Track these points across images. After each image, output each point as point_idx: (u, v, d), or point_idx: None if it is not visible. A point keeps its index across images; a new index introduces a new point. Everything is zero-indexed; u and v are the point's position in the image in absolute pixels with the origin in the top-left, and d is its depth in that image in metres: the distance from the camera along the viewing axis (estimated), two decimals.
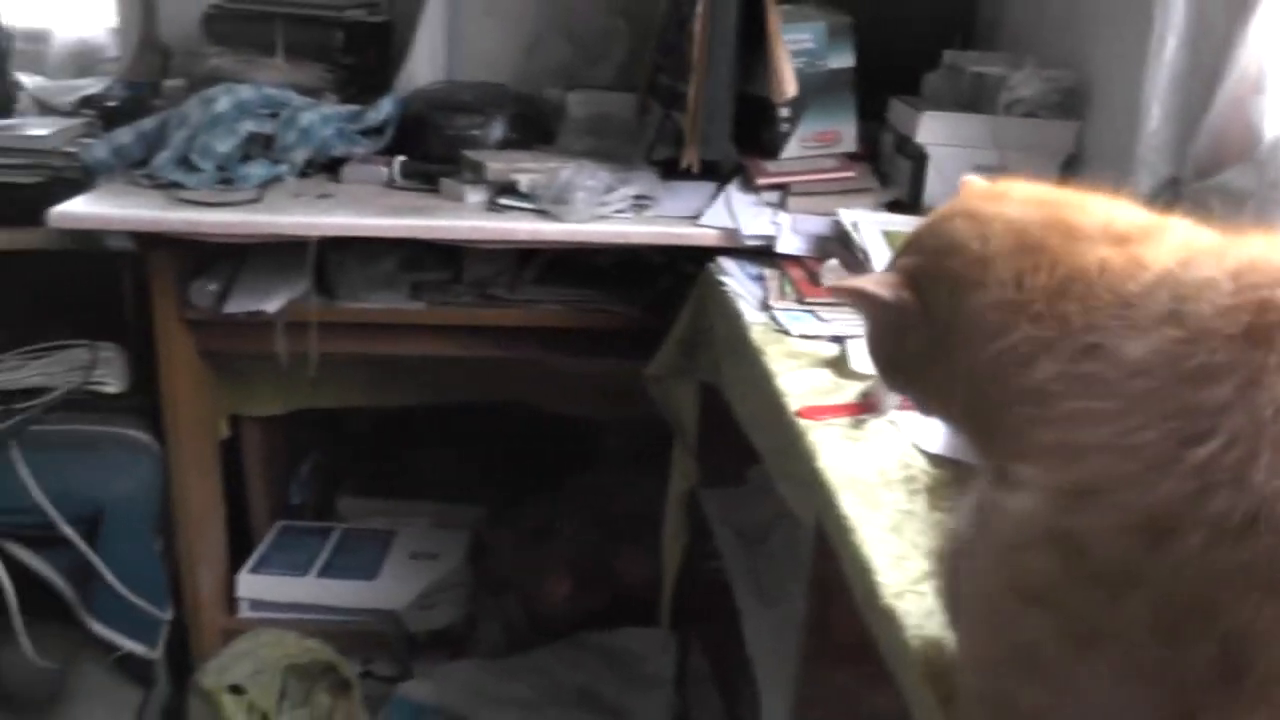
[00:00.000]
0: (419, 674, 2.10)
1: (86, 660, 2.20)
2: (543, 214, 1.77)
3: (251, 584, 2.17)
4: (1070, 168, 1.75)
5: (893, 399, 1.05)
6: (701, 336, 1.72)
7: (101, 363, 2.04)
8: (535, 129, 2.09)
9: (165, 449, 1.97)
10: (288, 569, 2.20)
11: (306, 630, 2.08)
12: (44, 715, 2.15)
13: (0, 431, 1.87)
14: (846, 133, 1.90)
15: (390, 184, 1.93)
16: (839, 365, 1.31)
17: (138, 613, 1.89)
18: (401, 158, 1.95)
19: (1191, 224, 0.68)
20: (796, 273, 1.64)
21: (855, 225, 1.66)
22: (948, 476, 0.99)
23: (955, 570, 0.69)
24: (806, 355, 1.35)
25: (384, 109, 2.02)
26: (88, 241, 1.92)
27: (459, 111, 2.02)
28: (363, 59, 2.30)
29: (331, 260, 1.91)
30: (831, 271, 1.55)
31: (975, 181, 0.81)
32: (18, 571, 1.83)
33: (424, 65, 2.23)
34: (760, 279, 1.65)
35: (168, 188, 1.85)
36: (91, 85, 2.43)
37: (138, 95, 2.27)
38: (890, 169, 1.92)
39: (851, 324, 1.36)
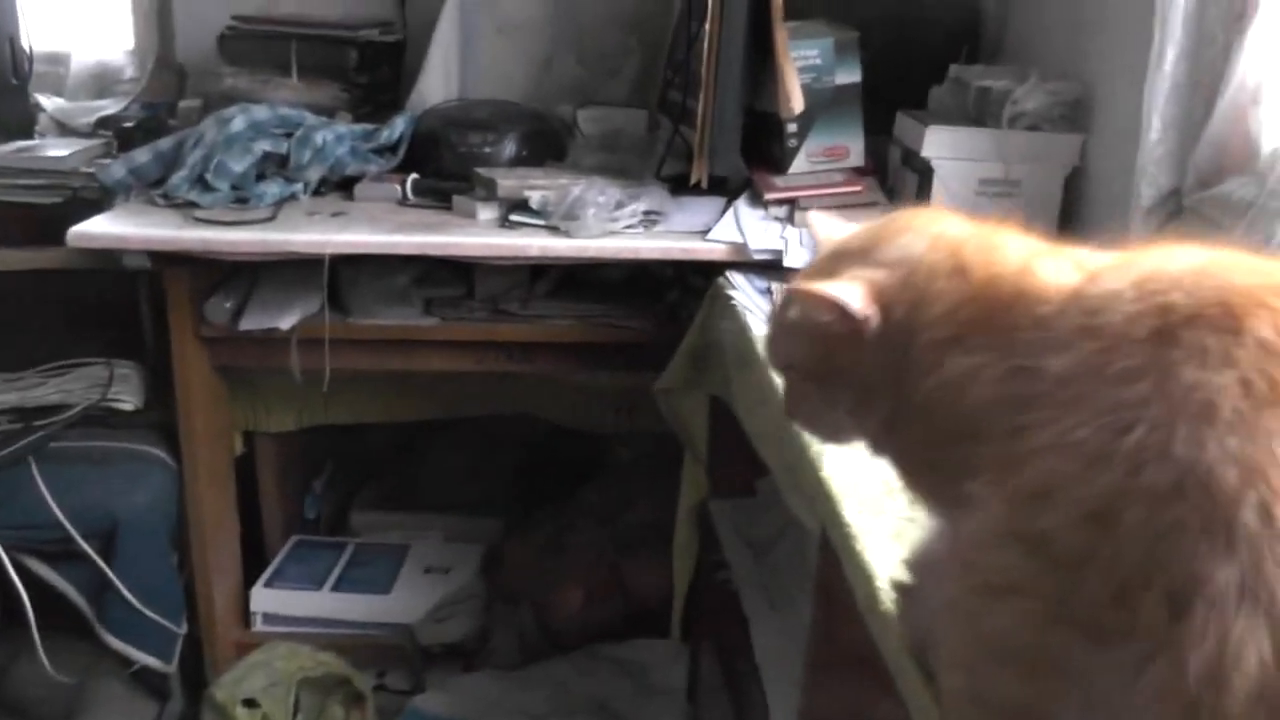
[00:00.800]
0: (432, 686, 2.11)
1: (102, 674, 2.23)
2: (554, 230, 1.79)
3: (265, 598, 2.19)
4: (1074, 181, 1.76)
5: None
6: (711, 350, 1.73)
7: (118, 380, 2.06)
8: (547, 146, 2.11)
9: (181, 464, 1.99)
10: (302, 583, 2.22)
11: (320, 644, 2.09)
12: None
13: (19, 448, 1.90)
14: (854, 147, 1.91)
15: (403, 201, 1.95)
16: None
17: (153, 626, 1.91)
18: (414, 175, 1.97)
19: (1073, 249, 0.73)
20: None
21: None
22: None
23: (922, 592, 0.74)
24: None
25: (397, 127, 2.05)
26: (106, 260, 1.94)
27: (471, 129, 2.05)
28: (376, 78, 2.33)
29: (345, 277, 1.93)
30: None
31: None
32: (35, 586, 1.85)
33: (437, 83, 2.26)
34: (768, 292, 1.66)
35: (184, 207, 1.88)
36: (109, 106, 2.46)
37: (154, 115, 2.30)
38: (897, 183, 1.94)
39: None
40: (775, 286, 1.67)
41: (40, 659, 1.88)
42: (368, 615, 2.19)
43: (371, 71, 2.31)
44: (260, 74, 2.25)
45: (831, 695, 1.10)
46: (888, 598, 0.84)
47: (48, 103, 2.47)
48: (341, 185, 2.02)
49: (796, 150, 1.89)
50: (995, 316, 0.69)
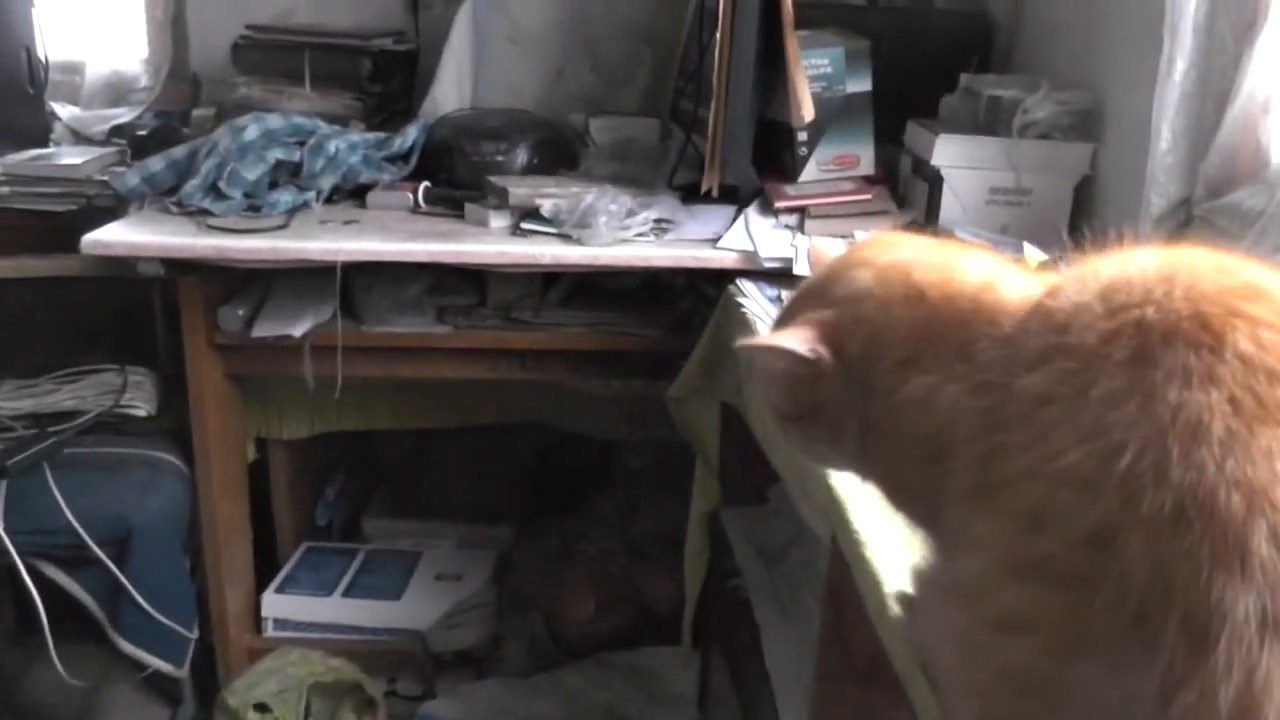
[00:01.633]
0: (443, 693, 2.12)
1: (115, 679, 2.24)
2: (566, 238, 1.80)
3: (277, 604, 2.20)
4: (1085, 189, 1.76)
5: None
6: (722, 358, 1.74)
7: (132, 386, 2.08)
8: (559, 155, 2.12)
9: (194, 471, 2.01)
10: (313, 589, 2.23)
11: (332, 649, 2.10)
12: None
13: (33, 454, 1.91)
14: (864, 156, 1.92)
15: (415, 209, 1.96)
16: None
17: (165, 632, 1.92)
18: (426, 184, 1.98)
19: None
20: None
21: None
22: None
23: (925, 608, 0.74)
24: None
25: (410, 136, 2.06)
26: (119, 268, 1.96)
27: (484, 138, 2.06)
28: (389, 87, 2.34)
29: (358, 285, 1.94)
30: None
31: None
32: (49, 591, 1.86)
33: (449, 92, 2.27)
34: (779, 300, 1.67)
35: (197, 215, 1.89)
36: (123, 115, 2.48)
37: (168, 124, 2.32)
38: (907, 191, 1.94)
39: None
40: (785, 295, 1.68)
41: (54, 664, 1.89)
42: (379, 621, 2.19)
43: (384, 81, 2.32)
44: (274, 83, 2.27)
45: (842, 703, 1.10)
46: (897, 605, 0.84)
47: (63, 111, 2.49)
48: (354, 194, 2.04)
49: (807, 159, 1.90)
50: (952, 334, 0.70)
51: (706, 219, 1.89)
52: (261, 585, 2.23)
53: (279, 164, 1.98)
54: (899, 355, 0.72)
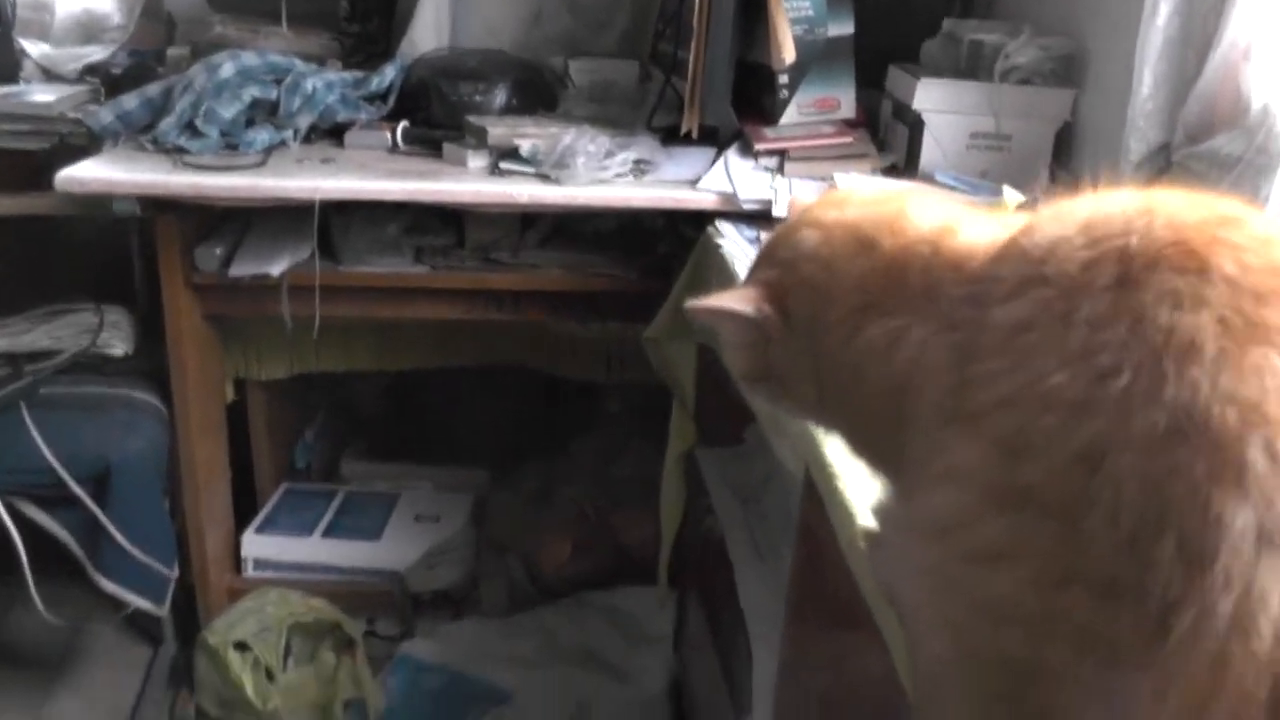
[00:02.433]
0: (422, 633, 2.14)
1: (96, 619, 2.25)
2: (544, 178, 1.79)
3: (257, 543, 2.21)
4: (1065, 135, 1.76)
5: None
6: (699, 298, 1.74)
7: (109, 326, 2.06)
8: (538, 96, 2.11)
9: (172, 411, 2.00)
10: (292, 529, 2.24)
11: (311, 590, 2.11)
12: (55, 673, 2.20)
13: (10, 393, 1.90)
14: (845, 99, 1.91)
15: (393, 149, 1.95)
16: None
17: (146, 570, 1.92)
18: (404, 123, 1.97)
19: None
20: None
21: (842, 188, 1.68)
22: None
23: (888, 542, 0.75)
24: None
25: (387, 75, 2.04)
26: (95, 206, 1.94)
27: (462, 78, 2.04)
28: (367, 27, 2.31)
29: (335, 225, 1.93)
30: None
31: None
32: (29, 531, 1.86)
33: (428, 32, 2.25)
34: (757, 242, 1.67)
35: (173, 152, 1.87)
36: (96, 53, 2.44)
37: (142, 63, 2.28)
38: (888, 135, 1.94)
39: None
40: (764, 236, 1.68)
41: (34, 604, 1.89)
42: (357, 561, 2.21)
43: (362, 21, 2.29)
44: (249, 22, 2.24)
45: (814, 643, 1.11)
46: (862, 543, 0.85)
47: (32, 49, 2.44)
48: (331, 133, 2.02)
49: (788, 101, 1.89)
50: (911, 280, 0.71)
51: (686, 161, 1.88)
52: (240, 526, 2.23)
53: (255, 102, 1.95)
54: (852, 303, 0.73)
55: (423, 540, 2.23)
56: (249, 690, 1.95)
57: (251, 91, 1.95)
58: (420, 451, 2.52)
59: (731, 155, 1.88)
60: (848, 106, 1.92)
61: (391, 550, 2.21)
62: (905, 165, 1.82)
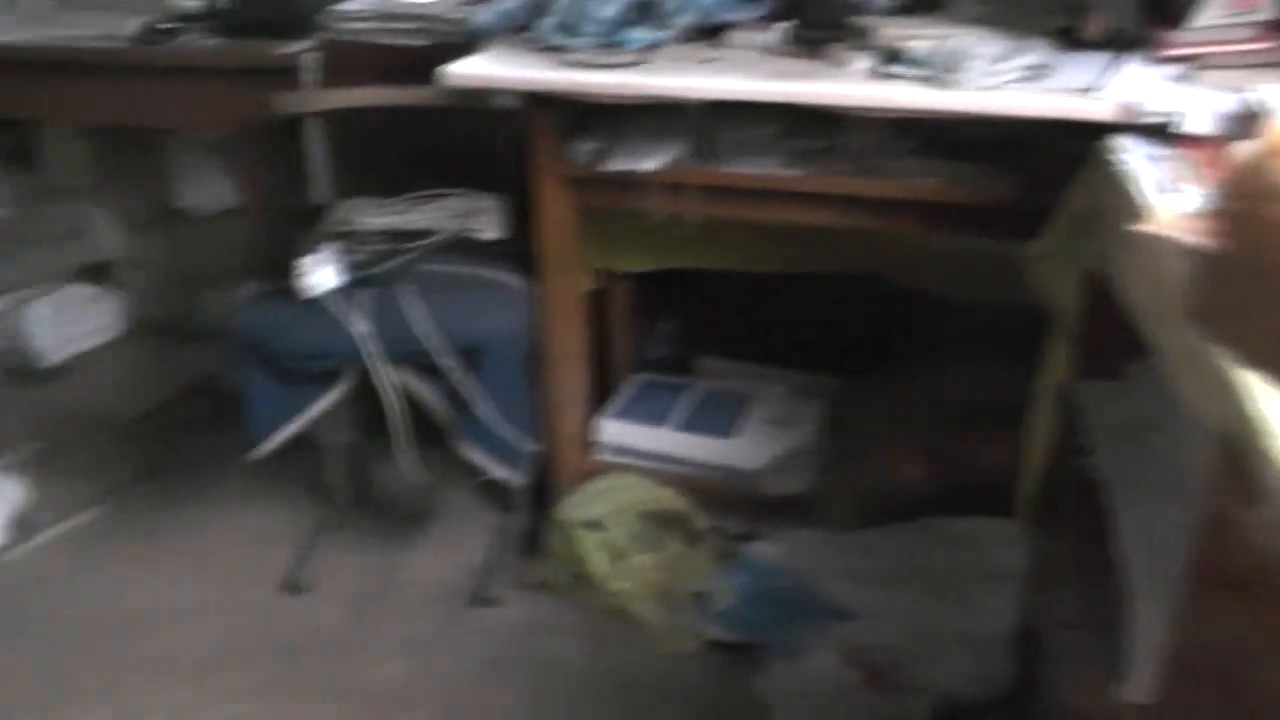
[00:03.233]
0: (766, 536, 2.15)
1: (455, 482, 2.42)
2: (929, 82, 1.69)
3: (611, 429, 2.28)
4: None
5: None
6: (1090, 219, 1.60)
7: (481, 211, 2.16)
8: None
9: (536, 295, 2.09)
10: (646, 419, 2.29)
11: (661, 479, 2.17)
12: (416, 525, 2.39)
13: (393, 268, 2.04)
14: None
15: (773, 50, 1.90)
16: None
17: (507, 442, 2.04)
18: (786, 23, 1.91)
19: None
20: (1201, 155, 1.49)
21: (1267, 103, 1.48)
22: None
23: None
24: None
25: None
26: (472, 99, 2.01)
27: None
28: None
29: (708, 124, 1.92)
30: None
31: None
32: (403, 396, 2.01)
33: None
34: (1161, 160, 1.51)
35: (550, 50, 1.91)
36: None
37: None
38: None
39: None
40: (1167, 153, 1.51)
41: (403, 459, 2.06)
42: (708, 457, 2.24)
43: None
44: None
45: (1216, 616, 1.00)
46: None
47: None
48: (708, 34, 1.99)
49: (1201, 1, 1.68)
50: None
51: (1083, 67, 1.72)
52: (594, 411, 2.31)
53: (633, 3, 1.95)
54: None
55: (773, 443, 2.23)
56: (597, 568, 2.04)
57: None
58: (775, 354, 2.50)
59: (1133, 62, 1.70)
60: (1269, 5, 1.69)
61: (742, 450, 2.22)
62: None
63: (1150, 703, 1.12)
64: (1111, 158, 1.54)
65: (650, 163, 1.91)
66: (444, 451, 2.13)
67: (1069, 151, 1.72)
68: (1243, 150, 0.73)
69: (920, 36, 1.75)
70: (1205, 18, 1.70)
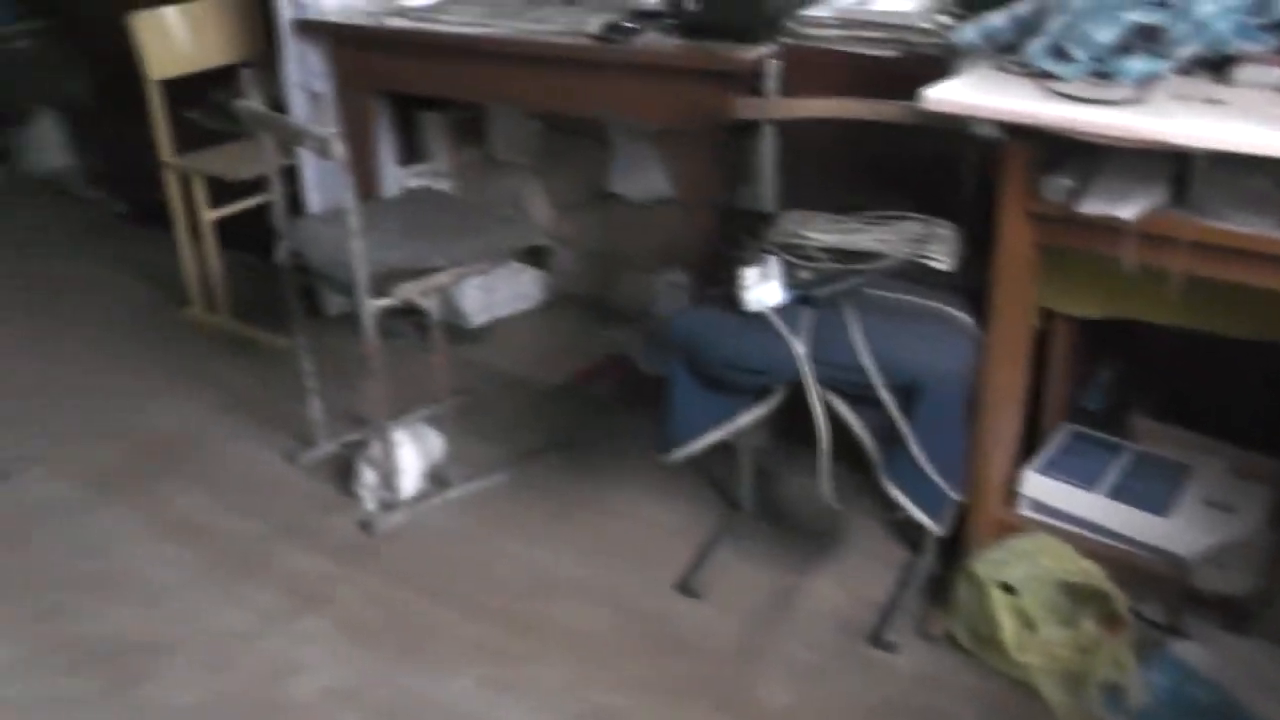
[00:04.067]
0: (1191, 633, 1.94)
1: (865, 511, 2.36)
2: None
3: (1036, 484, 2.14)
4: None
5: None
6: None
7: (935, 239, 2.08)
8: None
9: (984, 333, 1.97)
10: (1074, 478, 2.13)
11: (1082, 548, 2.00)
12: (820, 548, 2.35)
13: (838, 289, 1.99)
14: None
15: None
16: None
17: (932, 486, 1.93)
18: None
19: None
20: None
21: None
22: None
23: None
24: None
25: None
26: (944, 122, 1.93)
27: None
28: None
29: (1196, 170, 1.73)
30: None
31: None
32: (832, 420, 1.95)
33: None
34: None
35: (1037, 76, 1.79)
36: None
37: None
38: None
39: None
40: None
41: (824, 485, 1.99)
42: (1138, 533, 2.04)
43: None
44: None
45: None
46: None
47: None
48: (1214, 66, 1.80)
49: None
50: None
51: None
52: (1020, 459, 2.18)
53: (1135, 27, 1.79)
54: None
55: (1211, 529, 2.00)
56: (1006, 634, 1.92)
57: (1133, 14, 1.79)
58: (1219, 425, 2.25)
59: None
60: None
61: (1175, 531, 2.01)
62: None
63: None
64: None
65: (1130, 209, 1.75)
66: (859, 479, 2.06)
67: None
68: None
69: None
70: None
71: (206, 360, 3.31)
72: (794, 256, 2.06)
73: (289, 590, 2.32)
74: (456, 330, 3.30)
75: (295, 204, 3.03)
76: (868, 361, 1.88)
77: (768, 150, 2.23)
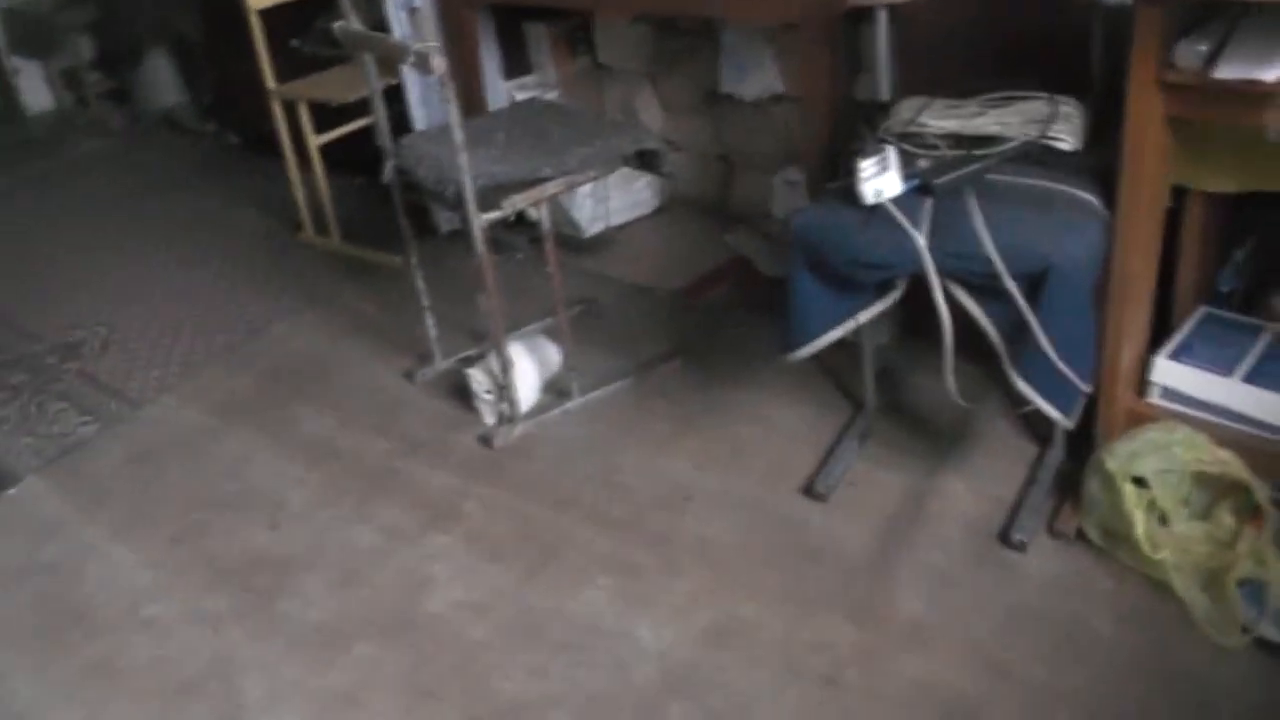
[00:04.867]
0: None
1: (992, 406, 2.30)
2: None
3: (1168, 371, 2.04)
4: None
5: None
6: None
7: (1060, 118, 1.98)
8: None
9: (1113, 215, 1.88)
10: (1209, 364, 2.03)
11: (1218, 437, 1.91)
12: (948, 446, 2.31)
13: (959, 176, 1.90)
14: None
15: None
16: None
17: (1061, 378, 1.85)
18: None
19: None
20: None
21: None
22: None
23: None
24: None
25: None
26: None
27: None
28: None
29: None
30: None
31: None
32: (954, 313, 1.88)
33: None
34: None
35: None
36: None
37: None
38: None
39: None
40: None
41: (948, 381, 1.94)
42: (1278, 418, 1.94)
43: None
44: None
45: None
46: None
47: None
48: None
49: None
50: None
51: None
52: (1151, 345, 2.09)
53: None
54: None
55: None
56: (1139, 530, 1.85)
57: None
58: None
59: None
60: None
61: None
62: None
63: None
64: None
65: (1272, 72, 1.64)
66: (985, 373, 1.99)
67: None
68: None
69: None
70: None
71: (323, 284, 3.36)
72: (912, 145, 1.98)
73: (416, 506, 2.36)
74: (571, 241, 3.29)
75: (402, 124, 3.03)
76: (991, 250, 1.80)
77: (883, 37, 2.14)
